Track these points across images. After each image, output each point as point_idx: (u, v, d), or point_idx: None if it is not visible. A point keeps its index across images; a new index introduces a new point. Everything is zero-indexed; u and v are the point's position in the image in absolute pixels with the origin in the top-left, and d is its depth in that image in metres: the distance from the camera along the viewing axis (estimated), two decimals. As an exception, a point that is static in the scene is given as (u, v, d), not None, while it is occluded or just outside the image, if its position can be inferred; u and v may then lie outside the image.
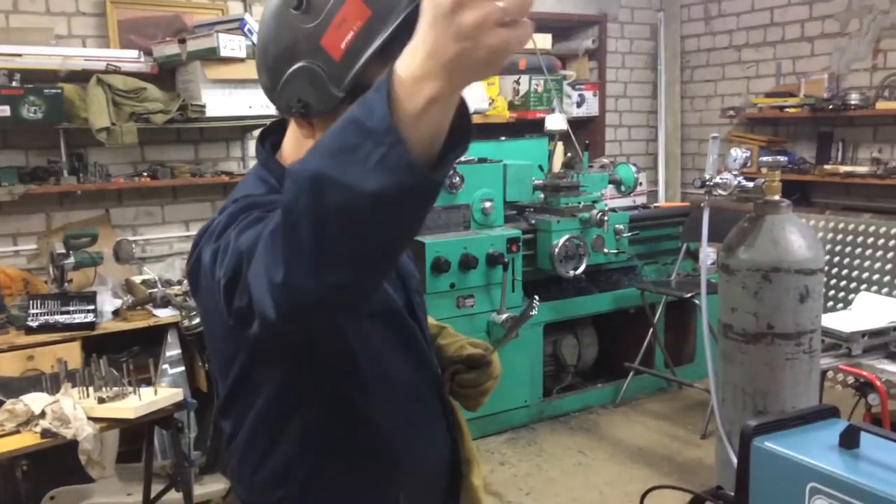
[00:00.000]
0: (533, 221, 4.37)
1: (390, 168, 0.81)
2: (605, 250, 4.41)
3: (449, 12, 0.75)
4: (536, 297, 1.52)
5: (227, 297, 1.02)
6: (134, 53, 4.02)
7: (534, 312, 1.50)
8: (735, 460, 1.63)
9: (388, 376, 1.29)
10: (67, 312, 3.53)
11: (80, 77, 3.82)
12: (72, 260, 3.60)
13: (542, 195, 4.53)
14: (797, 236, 2.25)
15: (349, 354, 1.22)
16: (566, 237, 4.19)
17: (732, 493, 1.59)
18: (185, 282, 3.42)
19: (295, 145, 1.25)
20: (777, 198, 2.30)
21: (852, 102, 4.96)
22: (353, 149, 0.82)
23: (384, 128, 0.80)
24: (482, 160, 4.29)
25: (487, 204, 4.18)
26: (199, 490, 3.07)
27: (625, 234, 4.49)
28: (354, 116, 0.84)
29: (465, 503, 1.44)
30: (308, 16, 1.10)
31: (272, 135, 1.32)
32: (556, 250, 4.17)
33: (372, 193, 0.81)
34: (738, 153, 2.45)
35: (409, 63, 0.80)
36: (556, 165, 4.62)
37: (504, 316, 4.05)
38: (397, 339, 1.30)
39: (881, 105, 4.85)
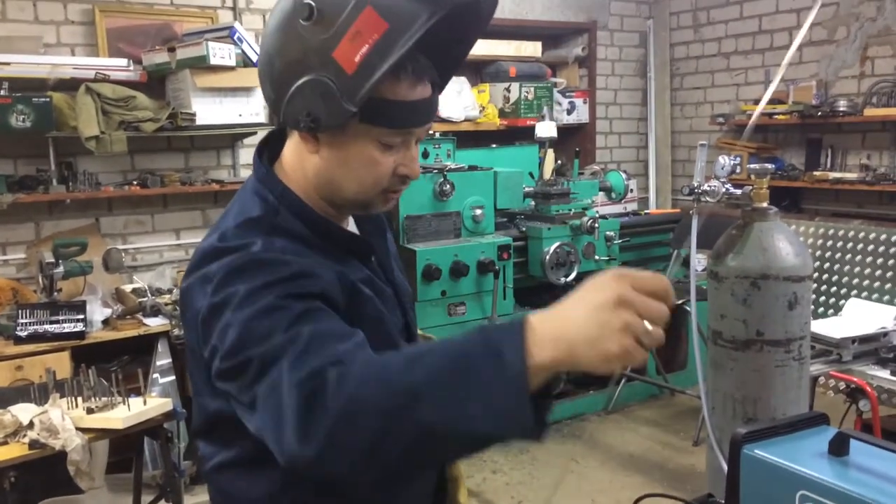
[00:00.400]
0: (524, 229, 4.38)
1: (509, 415, 0.85)
2: (597, 257, 4.42)
3: (612, 303, 0.84)
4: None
5: (221, 375, 1.04)
6: (123, 62, 4.02)
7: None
8: (725, 468, 1.63)
9: None
10: (57, 322, 3.52)
11: (69, 85, 3.81)
12: (61, 269, 3.59)
13: (532, 202, 4.54)
14: (785, 243, 2.25)
15: None
16: (557, 244, 4.20)
17: (723, 501, 1.59)
18: (175, 290, 3.41)
19: (297, 160, 1.21)
20: (765, 205, 2.31)
21: (841, 109, 4.99)
22: (470, 382, 0.85)
23: (515, 372, 0.84)
24: (473, 167, 4.29)
25: (478, 211, 4.18)
26: (190, 500, 3.05)
27: (616, 241, 4.50)
28: (477, 349, 0.88)
29: None
30: (319, 27, 1.07)
31: (270, 146, 1.28)
32: (548, 257, 4.18)
33: (480, 435, 0.87)
34: (725, 160, 2.45)
35: (550, 323, 0.88)
36: (547, 172, 4.63)
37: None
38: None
39: (869, 112, 4.88)
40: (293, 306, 1.01)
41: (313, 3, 1.06)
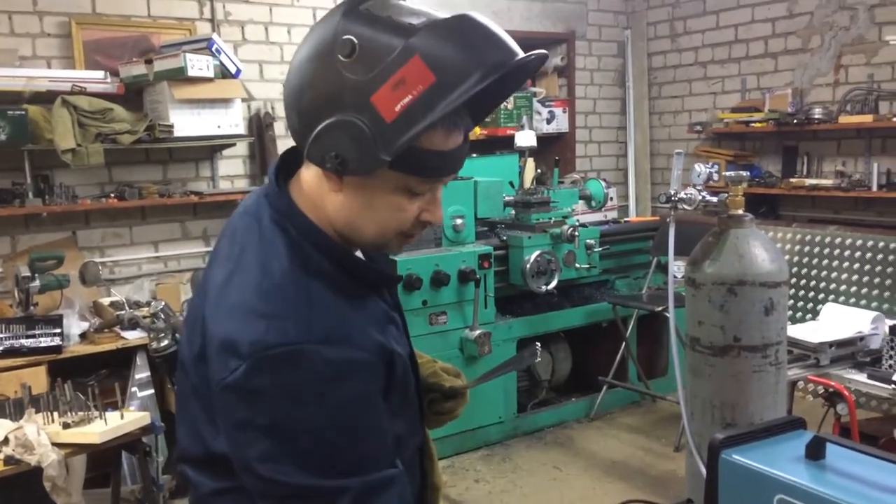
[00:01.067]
0: (504, 237, 4.39)
1: None
2: (577, 265, 4.43)
3: None
4: (538, 345, 1.50)
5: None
6: (100, 74, 4.00)
7: (538, 360, 1.46)
8: (704, 473, 1.63)
9: (399, 437, 1.22)
10: (33, 336, 3.48)
11: (45, 98, 3.78)
12: (37, 283, 3.55)
13: (513, 211, 4.55)
14: (761, 250, 2.27)
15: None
16: (538, 253, 4.21)
17: (701, 506, 1.59)
18: (153, 303, 3.38)
19: (317, 193, 1.14)
20: (741, 212, 2.33)
21: (816, 117, 5.05)
22: None
23: None
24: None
25: (459, 220, 4.19)
26: (169, 515, 3.02)
27: (596, 249, 4.52)
28: None
29: None
30: (360, 66, 1.00)
31: (286, 166, 1.20)
32: (528, 266, 4.18)
33: None
34: (701, 168, 2.48)
35: None
36: (527, 182, 4.65)
37: (477, 333, 4.05)
38: (405, 401, 1.24)
39: (844, 119, 4.95)
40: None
41: (356, 41, 1.00)
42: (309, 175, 1.15)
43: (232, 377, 1.03)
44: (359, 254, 1.23)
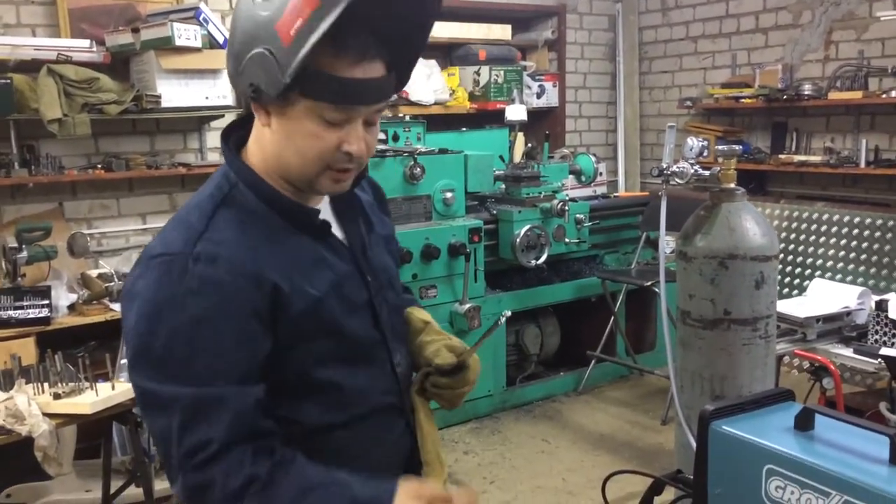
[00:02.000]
0: (494, 212, 4.39)
1: None
2: (567, 240, 4.44)
3: None
4: (508, 313, 1.51)
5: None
6: (86, 43, 3.93)
7: (501, 322, 1.47)
8: (694, 444, 1.65)
9: (339, 387, 1.30)
10: (21, 308, 3.46)
11: (31, 67, 3.72)
12: (24, 254, 3.52)
13: (503, 185, 4.55)
14: (752, 224, 2.28)
15: (302, 370, 1.26)
16: (527, 227, 4.22)
17: (691, 476, 1.61)
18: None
19: (257, 137, 1.28)
20: (732, 186, 2.34)
21: (805, 93, 5.05)
22: None
23: None
24: (443, 151, 4.28)
25: (449, 194, 4.18)
26: (160, 485, 3.02)
27: (585, 224, 4.53)
28: None
29: None
30: (268, 3, 1.14)
31: (237, 130, 1.33)
32: (518, 240, 4.19)
33: None
34: (693, 142, 2.48)
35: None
36: (517, 156, 4.64)
37: (466, 307, 4.06)
38: (349, 350, 1.31)
39: (833, 95, 4.96)
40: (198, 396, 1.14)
41: None
42: (254, 127, 1.29)
43: (125, 283, 1.23)
44: (327, 211, 1.34)
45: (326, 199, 1.36)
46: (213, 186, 1.27)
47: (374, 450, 1.36)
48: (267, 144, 1.25)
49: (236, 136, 1.32)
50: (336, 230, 1.34)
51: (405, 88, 5.05)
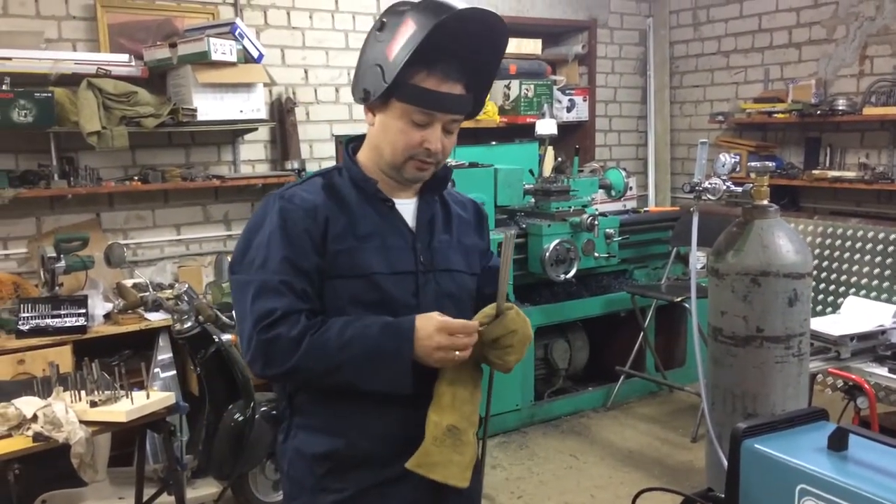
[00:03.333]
0: (524, 225, 4.39)
1: (397, 385, 1.52)
2: (596, 254, 4.43)
3: (435, 347, 1.50)
4: (512, 231, 1.66)
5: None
6: (125, 57, 4.02)
7: (510, 235, 1.60)
8: (725, 462, 1.64)
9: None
10: (58, 316, 3.53)
11: (71, 81, 3.82)
12: (62, 264, 3.60)
13: (532, 199, 4.55)
14: (785, 241, 2.27)
15: (338, 305, 1.58)
16: (557, 241, 4.21)
17: (722, 495, 1.60)
18: (177, 285, 3.42)
19: (368, 138, 1.68)
20: (765, 202, 2.33)
21: (839, 108, 5.00)
22: (378, 366, 1.51)
23: (405, 364, 1.50)
24: (473, 164, 4.30)
25: (479, 208, 4.19)
26: (191, 494, 3.06)
27: (615, 239, 4.51)
28: (386, 346, 1.50)
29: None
30: (384, 33, 1.56)
31: (354, 142, 1.73)
32: (547, 254, 4.19)
33: (377, 390, 1.53)
34: (726, 158, 2.47)
35: (419, 343, 1.50)
36: (547, 170, 4.64)
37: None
38: (380, 303, 1.59)
39: (868, 111, 4.90)
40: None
41: (385, 20, 1.57)
42: (367, 134, 1.69)
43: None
44: (410, 206, 1.68)
45: (415, 199, 1.69)
46: (324, 169, 1.71)
47: (390, 395, 1.55)
48: (370, 140, 1.66)
49: (354, 145, 1.72)
50: (408, 217, 1.67)
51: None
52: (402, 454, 1.55)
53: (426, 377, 1.55)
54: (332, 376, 1.51)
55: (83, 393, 2.57)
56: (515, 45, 5.69)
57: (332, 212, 1.59)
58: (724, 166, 2.45)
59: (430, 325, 1.50)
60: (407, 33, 1.50)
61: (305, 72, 4.83)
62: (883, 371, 2.88)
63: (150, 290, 3.75)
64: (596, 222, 4.34)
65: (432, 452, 1.52)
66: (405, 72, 1.51)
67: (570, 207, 4.40)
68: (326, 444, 1.60)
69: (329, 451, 1.59)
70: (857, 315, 3.16)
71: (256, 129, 4.52)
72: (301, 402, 1.64)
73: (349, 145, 1.72)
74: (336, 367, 1.50)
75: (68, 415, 2.42)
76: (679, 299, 4.21)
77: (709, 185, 2.42)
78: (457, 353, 1.50)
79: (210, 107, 4.08)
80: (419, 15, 1.51)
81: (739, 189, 2.40)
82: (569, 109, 6.01)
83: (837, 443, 1.54)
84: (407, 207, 1.68)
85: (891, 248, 3.89)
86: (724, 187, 2.40)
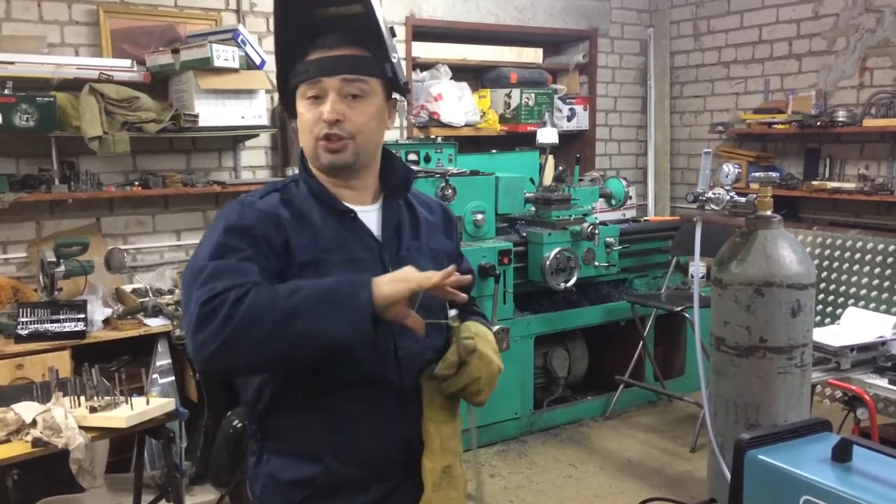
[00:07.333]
0: (524, 234, 4.39)
1: (356, 329, 1.36)
2: (596, 263, 4.43)
3: (408, 288, 1.40)
4: (454, 312, 1.59)
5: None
6: (127, 63, 4.02)
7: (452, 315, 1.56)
8: (728, 473, 1.64)
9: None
10: (58, 321, 3.51)
11: (73, 85, 3.82)
12: (62, 268, 3.58)
13: (533, 208, 4.55)
14: (789, 251, 2.27)
15: None
16: (557, 250, 4.21)
17: (726, 506, 1.60)
18: (177, 291, 3.41)
19: None
20: (769, 213, 2.33)
21: (839, 119, 5.01)
22: (334, 307, 1.35)
23: (364, 304, 1.36)
24: (474, 172, 4.31)
25: (479, 216, 4.20)
26: (190, 501, 3.05)
27: (615, 248, 4.52)
28: (342, 288, 1.38)
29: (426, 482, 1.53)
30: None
31: None
32: (548, 263, 4.19)
33: (336, 340, 1.36)
34: (729, 168, 2.47)
35: (382, 286, 1.39)
36: (548, 178, 4.64)
37: (495, 328, 4.03)
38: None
39: (868, 122, 4.91)
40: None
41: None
42: None
43: None
44: (374, 214, 1.62)
45: (378, 205, 1.63)
46: (279, 181, 1.63)
47: (365, 417, 1.52)
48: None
49: None
50: (373, 226, 1.59)
51: (436, 110, 5.09)
52: (382, 476, 1.54)
53: (399, 390, 1.52)
54: (281, 332, 1.33)
55: (83, 398, 2.56)
56: (516, 54, 5.71)
57: (292, 225, 1.51)
58: (727, 176, 2.46)
59: (392, 274, 1.44)
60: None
61: (307, 78, 4.83)
62: (883, 382, 2.89)
63: (150, 295, 3.76)
64: (596, 231, 4.34)
65: (434, 500, 1.51)
66: (292, 61, 1.55)
67: (570, 216, 4.41)
68: (302, 470, 1.52)
69: (305, 477, 1.52)
70: (857, 326, 3.17)
71: (258, 135, 4.52)
72: (273, 426, 1.55)
73: (303, 155, 1.63)
74: (286, 316, 1.33)
75: (68, 420, 2.41)
76: (679, 309, 4.21)
77: (712, 195, 2.42)
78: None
79: (212, 113, 4.09)
80: None
81: (742, 199, 2.41)
82: (569, 118, 6.02)
83: (842, 454, 1.54)
84: (370, 215, 1.60)
85: (890, 260, 3.90)
86: (728, 197, 2.41)
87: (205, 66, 3.96)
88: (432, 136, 4.85)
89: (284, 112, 1.62)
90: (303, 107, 1.54)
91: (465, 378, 1.50)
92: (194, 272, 1.42)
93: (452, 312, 1.57)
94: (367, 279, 1.39)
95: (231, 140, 4.51)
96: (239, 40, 4.12)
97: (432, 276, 1.41)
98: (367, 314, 1.35)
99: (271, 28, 4.93)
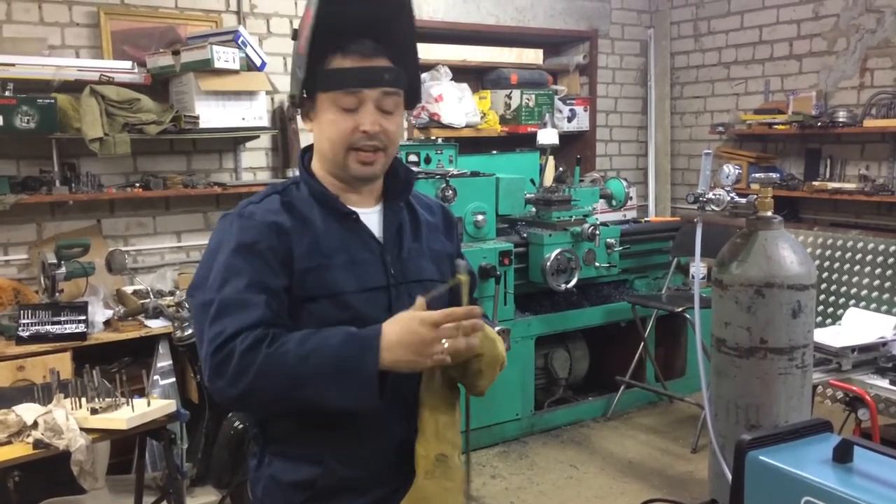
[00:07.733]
0: (525, 235, 4.39)
1: (363, 400, 1.40)
2: (597, 264, 4.44)
3: (420, 342, 1.38)
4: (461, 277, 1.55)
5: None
6: (127, 64, 4.03)
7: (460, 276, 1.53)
8: (729, 474, 1.64)
9: None
10: (59, 323, 3.52)
11: (74, 87, 3.82)
12: (63, 270, 3.59)
13: (533, 209, 4.55)
14: (789, 252, 2.27)
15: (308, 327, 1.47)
16: (558, 251, 4.21)
17: (727, 507, 1.60)
18: (178, 293, 3.42)
19: (314, 150, 1.61)
20: (769, 214, 2.33)
21: (840, 120, 5.01)
22: (341, 380, 1.38)
23: (370, 377, 1.37)
24: (475, 173, 4.31)
25: (480, 217, 4.20)
26: (191, 502, 3.05)
27: (616, 249, 4.52)
28: (349, 356, 1.39)
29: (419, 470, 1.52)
30: (297, 38, 1.54)
31: (308, 152, 1.66)
32: (548, 264, 4.19)
33: (343, 408, 1.42)
34: (730, 169, 2.47)
35: (391, 352, 1.38)
36: (548, 179, 4.65)
37: (496, 329, 4.04)
38: (351, 323, 1.47)
39: (868, 123, 4.91)
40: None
41: (296, 28, 1.56)
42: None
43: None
44: (375, 216, 1.61)
45: (379, 207, 1.62)
46: (280, 183, 1.61)
47: (366, 418, 1.48)
48: (315, 147, 1.59)
49: (309, 155, 1.64)
50: (374, 228, 1.59)
51: (437, 111, 5.10)
52: (382, 478, 1.54)
53: (397, 391, 1.48)
54: (293, 394, 1.39)
55: (84, 400, 2.56)
56: (517, 55, 5.71)
57: (294, 230, 1.50)
58: (728, 177, 2.46)
59: (402, 325, 1.39)
60: (307, 23, 1.48)
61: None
62: (884, 383, 2.88)
63: (151, 297, 3.76)
64: (597, 232, 4.34)
65: (426, 487, 1.49)
66: (319, 61, 1.48)
67: (571, 217, 4.41)
68: (304, 472, 1.52)
69: (307, 479, 1.52)
70: (858, 327, 3.17)
71: (258, 136, 4.53)
72: (275, 429, 1.56)
73: (304, 156, 1.64)
74: (295, 384, 1.38)
75: (69, 422, 2.42)
76: (680, 309, 4.21)
77: (713, 196, 2.42)
78: (446, 344, 1.38)
79: (212, 114, 4.09)
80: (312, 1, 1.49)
81: (743, 200, 2.41)
82: (570, 119, 6.02)
83: (843, 455, 1.54)
84: (372, 217, 1.60)
85: (891, 260, 3.90)
86: (728, 198, 2.41)
87: (205, 68, 3.96)
88: (433, 138, 4.85)
89: (291, 107, 1.59)
90: (332, 114, 1.50)
91: (468, 349, 1.46)
92: (203, 305, 1.44)
93: (461, 263, 1.55)
94: (374, 338, 1.38)
95: (231, 141, 4.51)
96: (239, 42, 4.13)
97: (446, 346, 1.39)
98: (373, 385, 1.38)
99: (272, 29, 4.99)
